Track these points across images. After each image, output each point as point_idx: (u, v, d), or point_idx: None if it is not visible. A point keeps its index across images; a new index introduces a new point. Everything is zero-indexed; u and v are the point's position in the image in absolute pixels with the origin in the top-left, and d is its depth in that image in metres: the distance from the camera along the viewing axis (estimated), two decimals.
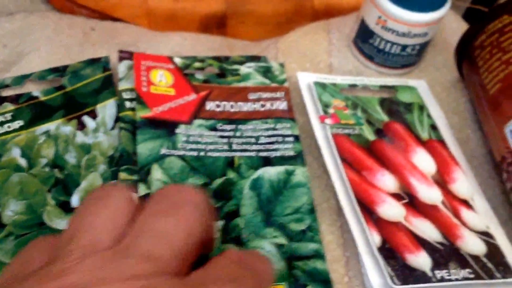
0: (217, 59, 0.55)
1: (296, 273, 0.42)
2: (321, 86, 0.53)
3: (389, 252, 0.43)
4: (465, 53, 0.56)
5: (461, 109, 0.57)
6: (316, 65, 0.57)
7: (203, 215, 0.31)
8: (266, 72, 0.54)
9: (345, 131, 0.49)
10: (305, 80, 0.53)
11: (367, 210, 0.45)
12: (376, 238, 0.43)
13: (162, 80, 0.51)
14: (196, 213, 0.31)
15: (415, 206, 0.46)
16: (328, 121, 0.50)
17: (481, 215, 0.47)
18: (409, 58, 0.58)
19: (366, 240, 0.43)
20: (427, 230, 0.45)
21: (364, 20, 0.58)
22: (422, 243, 0.44)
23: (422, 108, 0.54)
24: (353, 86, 0.55)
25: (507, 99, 0.49)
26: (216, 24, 0.63)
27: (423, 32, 0.55)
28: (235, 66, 0.54)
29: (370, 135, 0.50)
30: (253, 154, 0.48)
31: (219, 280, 0.29)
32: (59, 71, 0.52)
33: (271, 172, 0.47)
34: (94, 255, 0.28)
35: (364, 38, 0.58)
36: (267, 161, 0.48)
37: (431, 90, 0.58)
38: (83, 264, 0.27)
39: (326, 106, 0.51)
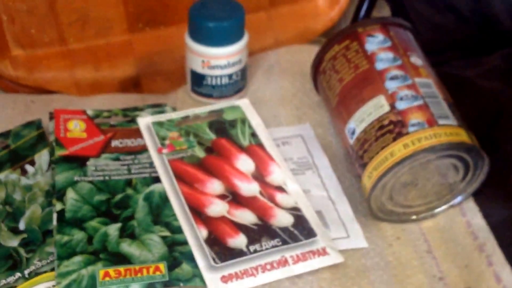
0: (125, 109, 0.73)
1: (175, 254, 0.59)
2: (159, 124, 0.70)
3: (214, 241, 0.59)
4: (315, 77, 0.71)
5: (324, 122, 0.74)
6: None
7: None
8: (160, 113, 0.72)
9: (179, 155, 0.66)
10: (144, 122, 0.70)
11: (197, 212, 0.61)
12: (203, 232, 0.59)
13: (76, 127, 0.69)
14: None
15: (238, 201, 0.63)
16: (165, 151, 0.66)
17: (291, 195, 0.63)
18: (236, 83, 0.75)
19: (194, 235, 0.59)
20: (246, 217, 0.61)
21: (192, 69, 0.74)
22: (241, 228, 0.60)
23: (244, 121, 0.70)
24: (186, 117, 0.71)
25: (344, 107, 0.65)
26: (132, 84, 0.81)
27: (238, 60, 0.73)
28: (137, 113, 0.73)
29: (200, 154, 0.66)
30: (147, 175, 0.66)
31: None
32: (5, 135, 0.71)
33: (160, 187, 0.64)
34: None
35: (198, 83, 0.75)
36: (158, 180, 0.65)
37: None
38: None
39: (163, 139, 0.68)
